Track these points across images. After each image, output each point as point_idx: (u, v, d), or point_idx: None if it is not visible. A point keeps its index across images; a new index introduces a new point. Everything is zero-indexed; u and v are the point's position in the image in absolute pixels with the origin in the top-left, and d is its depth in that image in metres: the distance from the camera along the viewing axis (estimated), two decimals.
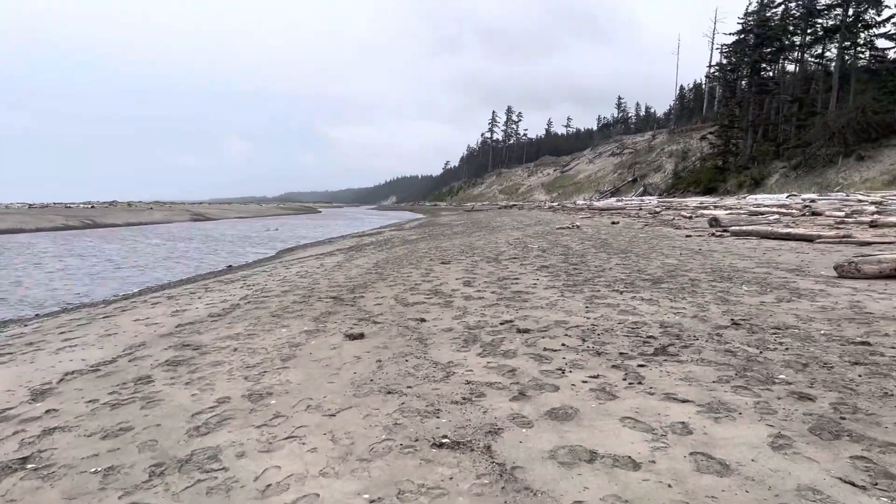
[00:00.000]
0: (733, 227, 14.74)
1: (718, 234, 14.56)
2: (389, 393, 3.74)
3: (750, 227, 14.29)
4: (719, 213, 23.97)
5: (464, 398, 3.58)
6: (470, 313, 6.18)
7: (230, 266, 18.99)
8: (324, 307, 7.03)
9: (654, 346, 4.60)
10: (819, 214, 21.07)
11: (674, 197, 56.64)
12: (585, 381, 3.82)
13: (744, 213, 23.01)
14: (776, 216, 19.59)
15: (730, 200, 39.46)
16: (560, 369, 4.08)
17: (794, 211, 23.62)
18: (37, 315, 9.98)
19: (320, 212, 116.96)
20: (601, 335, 4.99)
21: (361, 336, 5.32)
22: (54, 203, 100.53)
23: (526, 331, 5.24)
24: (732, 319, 5.45)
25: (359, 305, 7.03)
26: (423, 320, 5.93)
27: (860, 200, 28.85)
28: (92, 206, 79.73)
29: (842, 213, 20.19)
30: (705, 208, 31.33)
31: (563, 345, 4.71)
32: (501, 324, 5.61)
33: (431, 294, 7.56)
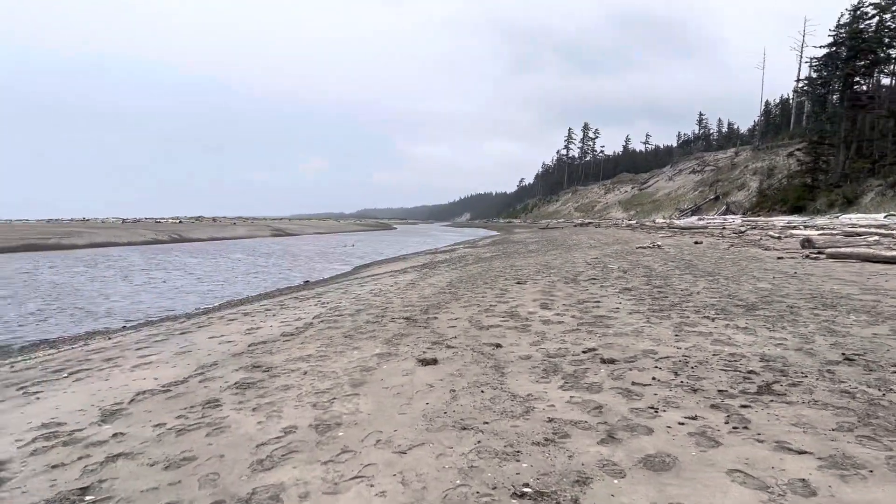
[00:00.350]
0: (829, 249, 13.75)
1: (813, 256, 13.61)
2: (464, 429, 3.45)
3: (848, 249, 13.30)
4: (811, 233, 22.65)
5: (546, 439, 3.26)
6: (549, 339, 5.84)
7: (307, 281, 19.30)
8: (396, 328, 6.83)
9: (756, 382, 4.15)
10: None
11: (759, 216, 54.34)
12: (682, 423, 3.43)
13: (838, 234, 21.65)
14: (875, 238, 18.30)
15: (821, 220, 37.44)
16: (652, 408, 3.70)
17: (895, 232, 22.06)
18: (123, 327, 10.24)
19: (395, 228, 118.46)
20: (695, 368, 4.56)
21: (435, 362, 5.07)
22: (146, 218, 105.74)
23: (611, 361, 4.86)
24: (844, 354, 4.90)
25: (432, 327, 6.79)
26: (498, 345, 5.63)
27: None
28: (179, 221, 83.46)
29: None
30: (794, 228, 29.78)
31: (654, 378, 4.31)
32: (584, 352, 5.24)
33: (507, 317, 7.25)
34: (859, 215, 37.05)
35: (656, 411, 3.64)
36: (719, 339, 5.54)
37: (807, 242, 16.86)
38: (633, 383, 4.22)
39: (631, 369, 4.61)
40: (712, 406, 3.70)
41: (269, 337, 6.83)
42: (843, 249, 13.43)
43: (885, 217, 33.37)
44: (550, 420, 3.55)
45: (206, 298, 15.18)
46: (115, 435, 3.69)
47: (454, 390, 4.23)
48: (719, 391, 3.98)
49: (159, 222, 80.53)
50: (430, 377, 4.62)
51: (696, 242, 22.26)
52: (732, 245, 19.70)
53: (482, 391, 4.18)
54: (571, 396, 3.98)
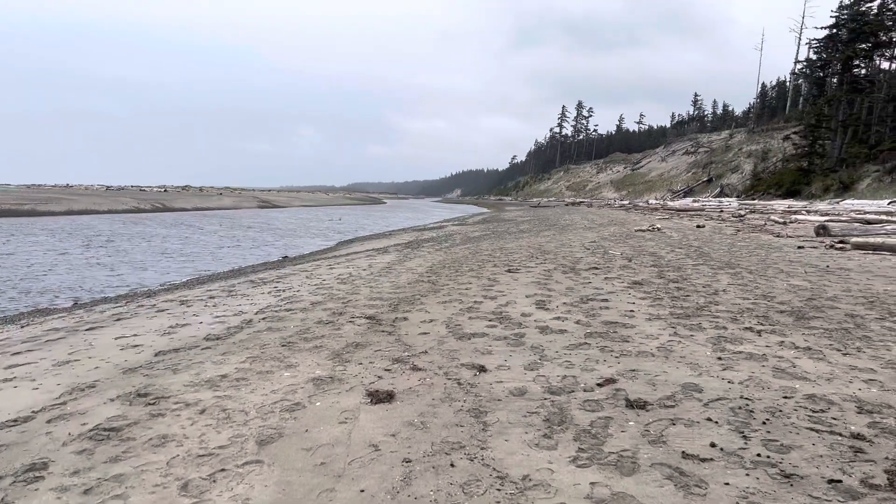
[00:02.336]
0: (855, 239, 12.33)
1: (838, 246, 12.18)
2: None
3: (877, 240, 11.86)
4: (821, 219, 21.31)
5: None
6: (549, 359, 4.36)
7: (285, 257, 17.97)
8: (353, 333, 5.33)
9: (874, 458, 2.69)
10: None
11: (754, 199, 53.14)
12: None
13: (846, 220, 20.30)
14: (894, 226, 16.95)
15: (822, 205, 36.21)
16: None
17: None
18: (20, 315, 8.68)
19: (385, 203, 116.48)
20: (769, 424, 3.09)
21: (390, 398, 3.58)
22: (131, 186, 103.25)
23: (641, 405, 3.39)
24: None
25: (398, 333, 5.30)
26: (482, 369, 4.14)
27: None
28: (165, 190, 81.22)
29: None
30: (796, 213, 28.44)
31: (714, 445, 2.84)
32: (599, 385, 3.77)
33: (495, 320, 5.76)
34: (862, 201, 35.82)
35: None
36: (781, 368, 4.07)
37: (822, 230, 15.46)
38: (685, 455, 2.74)
39: (673, 422, 3.14)
40: None
41: (188, 341, 5.30)
42: (870, 240, 12.02)
43: (889, 203, 32.14)
44: None
45: (161, 275, 13.62)
46: None
47: (409, 460, 2.74)
48: (829, 481, 2.50)
49: (144, 191, 78.18)
50: (378, 429, 3.13)
51: (698, 226, 20.83)
52: (739, 230, 18.26)
53: (452, 464, 2.69)
54: (593, 483, 2.50)
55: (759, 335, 5.01)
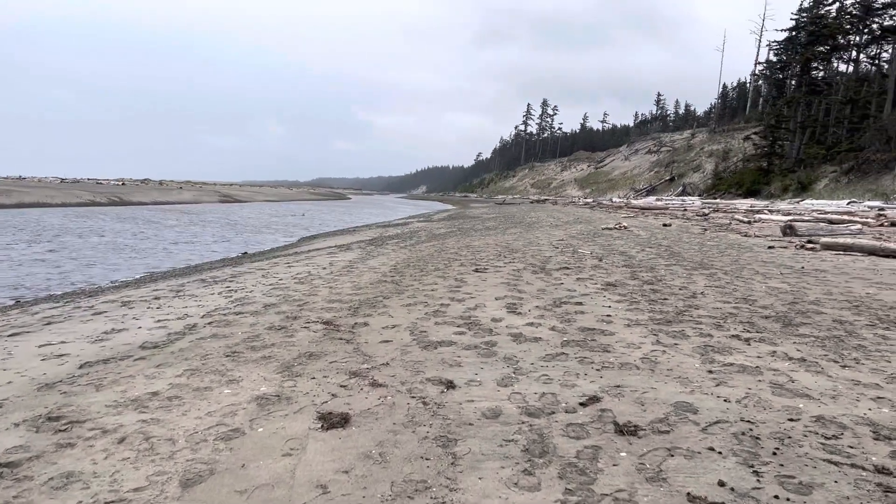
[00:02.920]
0: (824, 239, 12.19)
1: (809, 247, 12.02)
2: None
3: (847, 240, 11.72)
4: (787, 219, 21.40)
5: None
6: (525, 373, 3.93)
7: (245, 253, 17.40)
8: (307, 341, 4.83)
9: None
10: None
11: (715, 198, 53.78)
12: None
13: (808, 220, 20.38)
14: (859, 226, 17.01)
15: (783, 205, 36.66)
16: None
17: (869, 220, 20.96)
18: None
19: (350, 198, 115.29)
20: (780, 456, 2.69)
21: (345, 422, 3.10)
22: (87, 178, 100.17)
23: (631, 430, 2.96)
24: None
25: (357, 341, 4.81)
26: (450, 385, 3.69)
27: None
28: (122, 183, 78.87)
29: None
30: (758, 212, 28.64)
31: (723, 484, 2.42)
32: (582, 404, 3.34)
33: (464, 325, 5.31)
34: (822, 201, 36.36)
35: None
36: (779, 384, 3.70)
37: (788, 229, 15.39)
38: (691, 498, 2.32)
39: (671, 452, 2.72)
40: None
41: (121, 350, 4.73)
42: (839, 240, 11.88)
43: (848, 203, 32.65)
44: None
45: (110, 272, 12.88)
46: None
47: None
48: None
49: (101, 184, 75.74)
50: (328, 463, 2.65)
51: (664, 225, 20.70)
52: (706, 229, 18.13)
53: None
54: None
55: (748, 344, 4.65)
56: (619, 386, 3.64)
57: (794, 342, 4.71)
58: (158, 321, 5.87)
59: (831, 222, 19.57)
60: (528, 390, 3.58)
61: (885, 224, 18.85)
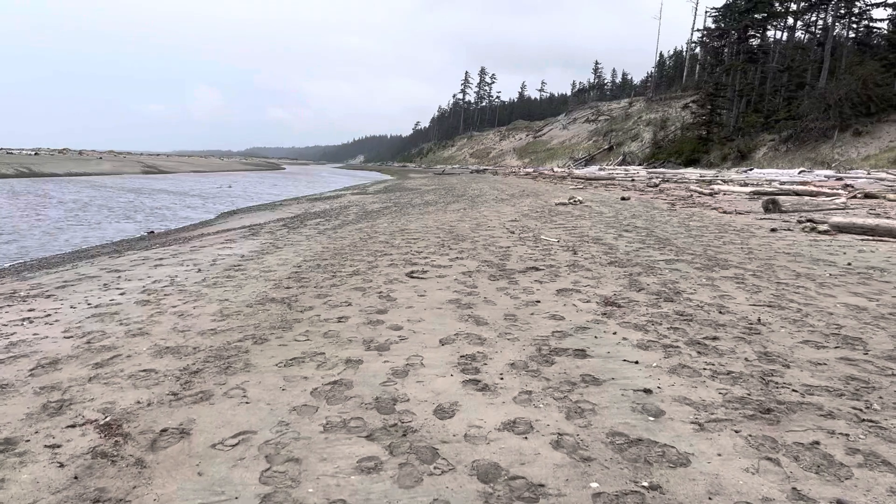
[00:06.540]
0: (836, 219, 10.00)
1: (822, 230, 9.82)
2: None
3: (871, 222, 9.57)
4: (748, 190, 19.64)
5: None
6: None
7: (152, 232, 14.99)
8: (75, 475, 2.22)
9: None
10: (874, 197, 16.73)
11: (655, 167, 52.60)
12: None
13: (772, 191, 18.65)
14: (843, 200, 15.23)
15: (733, 174, 35.34)
16: None
17: (839, 191, 19.37)
18: None
19: (284, 168, 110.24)
20: None
21: None
22: None
23: None
24: None
25: (173, 472, 2.22)
26: None
27: (882, 179, 24.87)
28: (36, 153, 71.93)
29: None
30: (710, 183, 26.94)
31: None
32: None
33: (379, 433, 2.78)
34: (773, 170, 35.31)
35: None
36: None
37: (771, 205, 13.40)
38: None
39: None
40: None
41: None
42: (856, 220, 9.76)
43: (798, 173, 31.52)
44: None
45: None
46: None
47: None
48: None
49: (11, 153, 68.80)
50: None
51: (623, 199, 18.55)
52: (674, 205, 16.02)
53: None
54: None
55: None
56: None
57: None
58: None
59: (797, 194, 17.83)
60: None
61: (859, 196, 17.15)
